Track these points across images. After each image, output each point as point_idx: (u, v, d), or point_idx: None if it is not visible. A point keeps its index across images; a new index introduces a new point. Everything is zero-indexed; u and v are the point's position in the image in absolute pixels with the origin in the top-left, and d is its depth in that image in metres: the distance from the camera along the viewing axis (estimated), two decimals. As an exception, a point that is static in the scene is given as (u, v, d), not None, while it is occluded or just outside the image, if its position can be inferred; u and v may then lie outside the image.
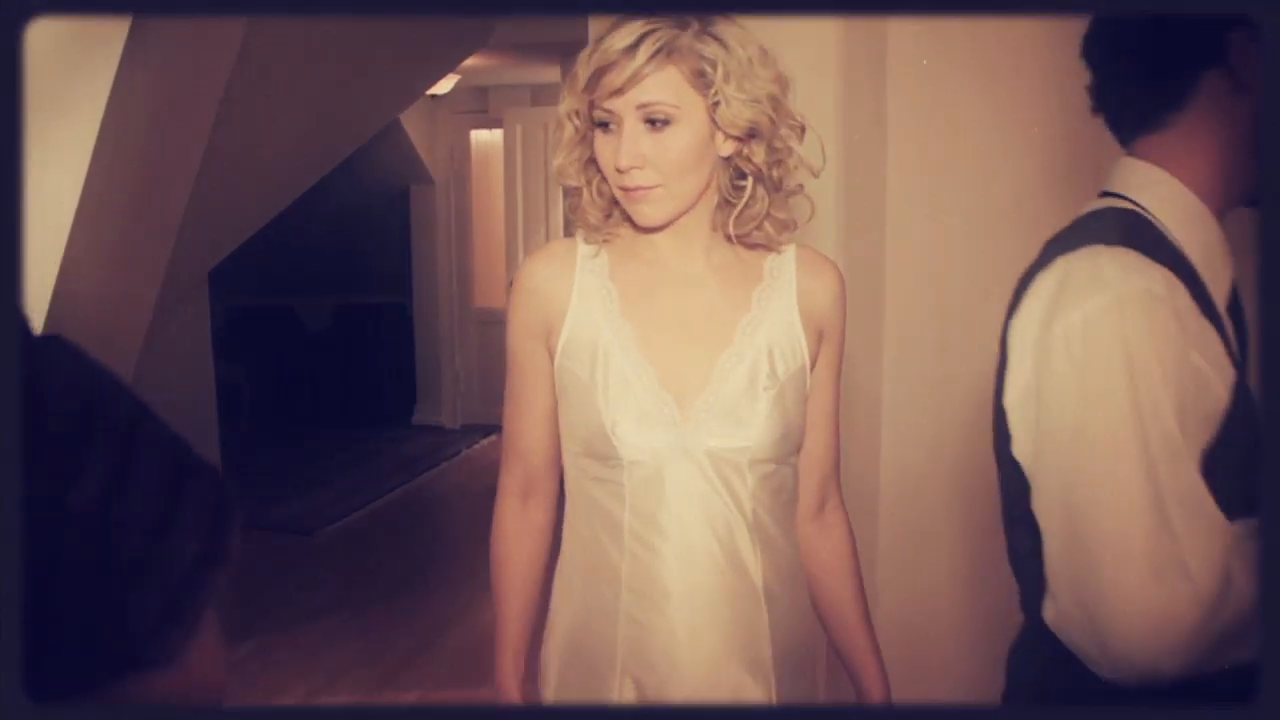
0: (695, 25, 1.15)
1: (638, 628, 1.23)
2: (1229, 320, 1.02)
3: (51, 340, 1.08)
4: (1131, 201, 1.01)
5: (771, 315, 1.25)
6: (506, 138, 6.55)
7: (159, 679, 1.00)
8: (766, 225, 1.24)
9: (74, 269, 2.74)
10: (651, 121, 1.15)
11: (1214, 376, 0.94)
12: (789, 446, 1.26)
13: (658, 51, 1.13)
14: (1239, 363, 1.01)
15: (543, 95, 6.54)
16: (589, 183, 1.26)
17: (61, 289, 2.74)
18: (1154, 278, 0.92)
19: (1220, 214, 1.02)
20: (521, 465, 1.35)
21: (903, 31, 2.10)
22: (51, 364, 1.03)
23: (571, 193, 1.28)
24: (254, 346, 6.51)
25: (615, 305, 1.25)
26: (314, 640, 3.56)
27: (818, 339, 1.28)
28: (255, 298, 6.62)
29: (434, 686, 3.26)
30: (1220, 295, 1.01)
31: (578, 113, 1.21)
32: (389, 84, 4.38)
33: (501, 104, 6.67)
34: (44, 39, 2.47)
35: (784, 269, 1.27)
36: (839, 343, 1.31)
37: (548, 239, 6.55)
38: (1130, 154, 1.04)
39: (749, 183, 1.21)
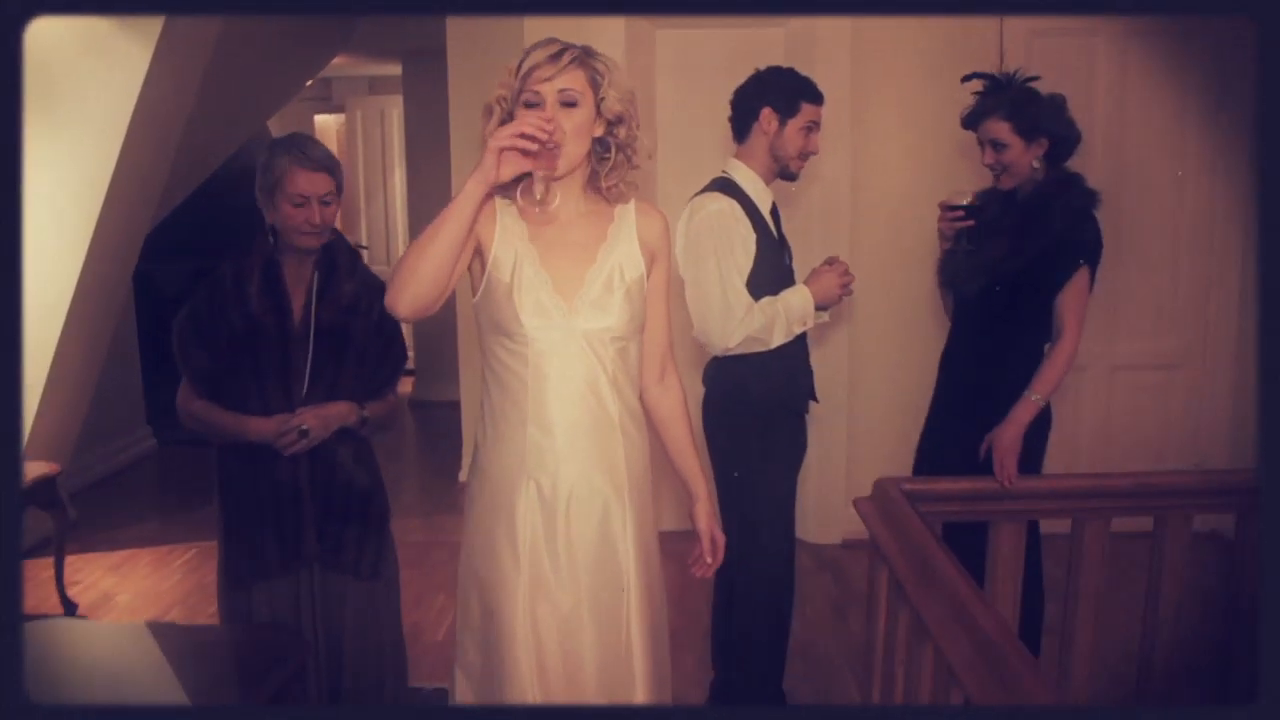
0: (587, 51, 1.68)
1: (537, 447, 1.70)
2: (771, 218, 2.54)
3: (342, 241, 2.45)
4: (729, 176, 2.51)
5: (620, 243, 1.74)
6: (348, 121, 7.67)
7: (384, 402, 2.37)
8: (621, 185, 1.74)
9: (100, 249, 3.44)
10: (565, 103, 1.64)
11: (751, 241, 2.44)
12: (634, 327, 1.74)
13: (572, 61, 1.64)
14: (769, 234, 2.50)
15: (380, 85, 7.65)
16: None
17: (87, 271, 3.46)
18: (725, 204, 2.43)
19: (768, 180, 2.53)
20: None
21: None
22: (350, 254, 2.36)
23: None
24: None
25: (525, 235, 1.71)
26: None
27: (651, 259, 1.77)
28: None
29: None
30: (765, 208, 2.51)
31: (505, 99, 1.67)
32: (282, 75, 5.28)
33: (343, 92, 7.78)
34: (60, 36, 3.02)
35: (628, 214, 1.77)
36: (667, 263, 1.83)
37: (386, 209, 7.71)
38: (735, 155, 2.54)
39: (613, 152, 1.71)
